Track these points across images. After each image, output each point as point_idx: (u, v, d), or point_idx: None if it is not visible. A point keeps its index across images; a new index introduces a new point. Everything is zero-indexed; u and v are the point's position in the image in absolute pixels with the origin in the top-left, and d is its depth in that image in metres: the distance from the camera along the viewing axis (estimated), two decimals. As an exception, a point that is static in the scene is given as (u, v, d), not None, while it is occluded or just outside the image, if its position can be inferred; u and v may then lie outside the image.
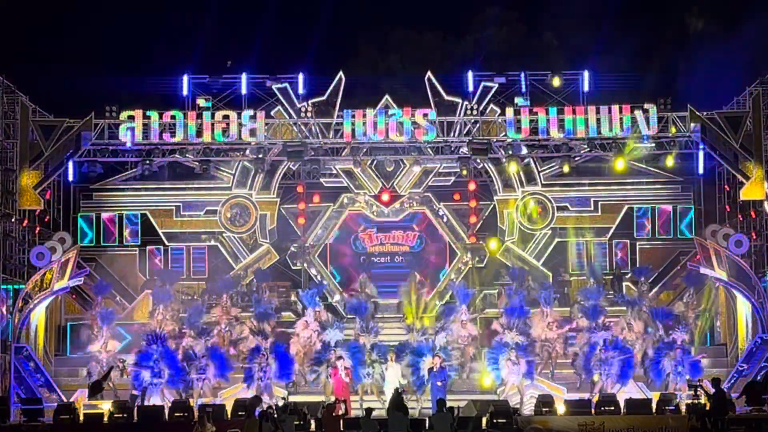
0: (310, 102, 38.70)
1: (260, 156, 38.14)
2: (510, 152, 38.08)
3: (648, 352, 35.70)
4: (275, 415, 28.66)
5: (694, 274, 37.86)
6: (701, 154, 38.07)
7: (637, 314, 36.93)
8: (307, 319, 36.80)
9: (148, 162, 37.98)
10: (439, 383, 33.46)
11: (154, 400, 34.07)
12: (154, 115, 37.39)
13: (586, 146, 38.11)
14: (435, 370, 33.73)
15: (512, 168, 38.62)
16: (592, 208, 40.73)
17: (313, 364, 35.28)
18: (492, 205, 40.90)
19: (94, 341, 36.24)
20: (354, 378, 34.49)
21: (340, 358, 34.40)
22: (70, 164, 37.74)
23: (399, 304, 39.10)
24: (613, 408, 32.31)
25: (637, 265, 40.02)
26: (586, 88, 38.16)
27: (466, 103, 38.47)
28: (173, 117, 37.55)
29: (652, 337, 36.14)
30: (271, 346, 35.17)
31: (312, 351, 36.00)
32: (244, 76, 38.50)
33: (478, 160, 39.16)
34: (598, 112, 37.34)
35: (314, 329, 36.45)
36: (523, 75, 38.48)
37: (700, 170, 38.64)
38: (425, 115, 37.70)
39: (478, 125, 38.17)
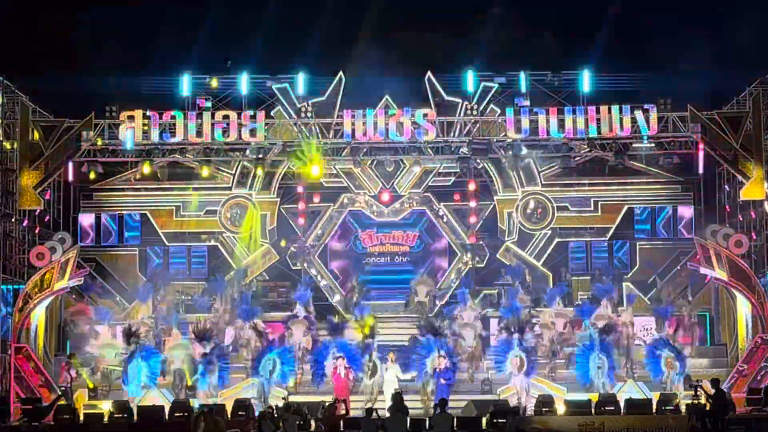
0: (310, 102, 38.70)
1: (260, 156, 38.15)
2: (510, 152, 38.12)
3: (647, 351, 35.74)
4: (275, 415, 28.72)
5: (693, 274, 38.03)
6: (701, 154, 38.05)
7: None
8: (299, 316, 36.78)
9: (148, 161, 37.93)
10: (442, 381, 33.45)
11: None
12: (154, 115, 37.40)
13: (586, 146, 38.13)
14: (439, 370, 33.70)
15: None
16: (592, 208, 40.75)
17: (314, 363, 35.21)
18: (492, 205, 40.92)
19: (90, 340, 36.35)
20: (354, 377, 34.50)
21: (339, 357, 34.36)
22: (70, 164, 37.71)
23: (406, 303, 39.11)
24: (613, 408, 32.29)
25: (638, 265, 40.10)
26: (586, 88, 38.16)
27: (466, 103, 38.49)
28: (173, 117, 37.55)
29: (653, 336, 36.17)
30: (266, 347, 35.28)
31: (306, 350, 36.08)
32: (244, 76, 38.51)
33: (478, 160, 39.16)
34: (598, 112, 37.36)
35: (307, 327, 36.51)
36: (523, 75, 38.52)
37: (700, 170, 38.64)
38: (425, 115, 37.72)
39: (478, 125, 38.19)
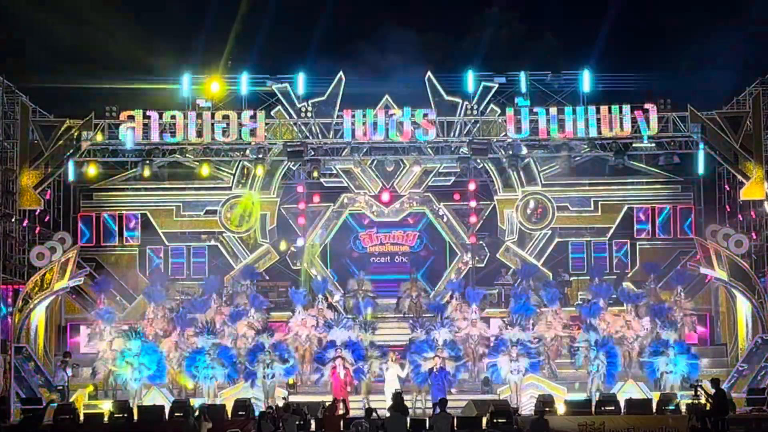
0: (310, 102, 38.73)
1: (260, 156, 38.15)
2: (510, 152, 38.12)
3: (644, 351, 35.74)
4: (275, 415, 28.72)
5: (684, 273, 38.08)
6: (701, 154, 38.05)
7: (638, 312, 37.01)
8: (304, 317, 36.79)
9: (148, 162, 37.97)
10: (447, 387, 33.48)
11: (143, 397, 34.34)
12: (154, 115, 37.37)
13: (586, 146, 38.12)
14: (435, 370, 33.69)
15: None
16: (592, 208, 40.75)
17: (317, 363, 35.20)
18: (492, 205, 40.93)
19: (98, 340, 36.36)
20: (354, 377, 34.46)
21: (338, 357, 34.32)
22: (70, 164, 37.71)
23: (398, 302, 39.20)
24: (613, 408, 32.30)
25: (638, 265, 40.11)
26: (586, 88, 38.18)
27: (466, 103, 38.52)
28: (173, 117, 37.54)
29: (651, 336, 36.18)
30: (272, 346, 35.23)
31: (311, 350, 36.07)
32: (244, 76, 38.52)
33: (478, 160, 39.17)
34: (598, 112, 37.35)
35: (312, 326, 36.51)
36: (523, 75, 38.53)
37: (700, 170, 38.64)
38: (425, 115, 37.72)
39: (478, 125, 38.19)
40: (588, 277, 39.73)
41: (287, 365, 34.69)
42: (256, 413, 31.25)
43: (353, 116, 37.60)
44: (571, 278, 40.08)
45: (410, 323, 36.87)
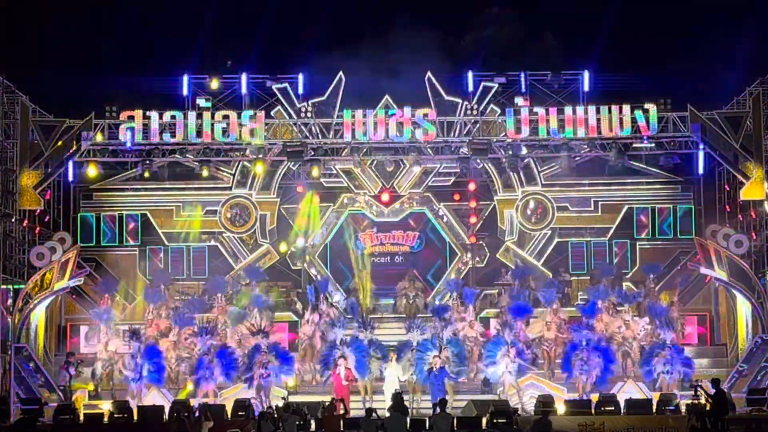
0: (310, 102, 38.74)
1: (260, 156, 38.15)
2: (510, 152, 38.13)
3: (642, 351, 35.73)
4: (275, 415, 28.74)
5: (684, 273, 38.15)
6: (701, 154, 38.06)
7: (638, 312, 37.02)
8: (307, 316, 36.89)
9: (148, 162, 37.98)
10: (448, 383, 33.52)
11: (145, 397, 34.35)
12: (154, 115, 37.38)
13: (586, 146, 38.12)
14: (435, 370, 33.71)
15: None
16: (592, 208, 40.74)
17: (322, 364, 35.20)
18: (492, 205, 40.93)
19: (95, 340, 36.38)
20: (359, 375, 34.46)
21: (341, 357, 34.37)
22: (70, 164, 37.71)
23: (395, 303, 39.20)
24: (613, 408, 32.34)
25: (638, 265, 40.09)
26: (586, 88, 38.19)
27: (466, 103, 38.53)
28: (173, 117, 37.54)
29: (650, 336, 36.18)
30: (270, 346, 35.24)
31: (315, 349, 36.08)
32: (244, 76, 38.53)
33: (478, 160, 39.17)
34: (598, 112, 37.36)
35: (314, 324, 36.53)
36: (523, 75, 38.54)
37: (700, 170, 38.64)
38: (425, 115, 37.73)
39: (478, 125, 38.20)
40: (588, 277, 39.76)
41: (285, 365, 34.72)
42: (256, 413, 31.28)
43: (353, 116, 37.61)
44: (571, 278, 40.04)
45: (405, 324, 36.87)
